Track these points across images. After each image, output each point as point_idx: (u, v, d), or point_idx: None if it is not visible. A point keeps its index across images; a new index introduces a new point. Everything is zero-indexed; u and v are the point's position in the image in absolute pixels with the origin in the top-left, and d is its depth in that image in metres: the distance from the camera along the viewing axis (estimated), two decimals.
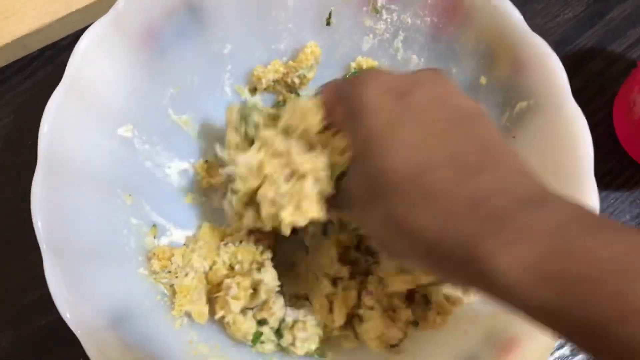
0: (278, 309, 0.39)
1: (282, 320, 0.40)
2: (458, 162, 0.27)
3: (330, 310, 0.40)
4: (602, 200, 0.48)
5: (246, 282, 0.39)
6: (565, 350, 0.46)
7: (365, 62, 0.45)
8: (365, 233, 0.35)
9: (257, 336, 0.40)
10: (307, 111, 0.34)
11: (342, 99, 0.33)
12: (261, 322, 0.40)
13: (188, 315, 0.40)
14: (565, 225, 0.24)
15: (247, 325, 0.39)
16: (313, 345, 0.40)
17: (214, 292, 0.41)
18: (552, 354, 0.46)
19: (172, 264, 0.40)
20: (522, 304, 0.24)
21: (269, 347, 0.40)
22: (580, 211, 0.25)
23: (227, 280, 0.39)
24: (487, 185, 0.26)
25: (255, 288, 0.39)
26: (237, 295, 0.38)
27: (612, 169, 0.49)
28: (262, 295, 0.39)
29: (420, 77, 0.32)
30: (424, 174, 0.27)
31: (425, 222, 0.26)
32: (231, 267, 0.41)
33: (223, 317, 0.40)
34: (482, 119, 0.30)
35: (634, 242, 0.22)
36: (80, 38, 0.37)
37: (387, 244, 0.30)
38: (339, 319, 0.39)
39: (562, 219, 0.24)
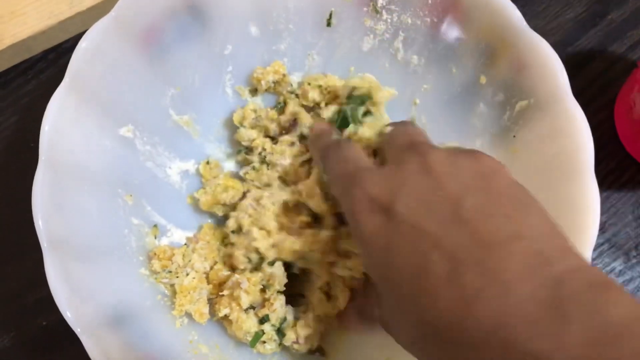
0: (279, 306, 0.39)
1: (284, 319, 0.40)
2: (457, 281, 0.25)
3: (328, 298, 0.40)
4: (604, 200, 0.47)
5: (256, 277, 0.39)
6: None
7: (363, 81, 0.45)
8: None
9: (257, 337, 0.39)
10: None
11: (338, 193, 0.34)
12: (263, 320, 0.39)
13: (188, 315, 0.40)
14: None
15: (249, 324, 0.39)
16: (316, 342, 0.40)
17: (214, 292, 0.41)
18: None
19: (172, 263, 0.40)
20: None
21: (270, 346, 0.40)
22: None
23: (236, 276, 0.39)
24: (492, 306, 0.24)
25: (263, 285, 0.39)
26: (248, 289, 0.39)
27: (614, 169, 0.49)
28: (276, 286, 0.39)
29: (403, 170, 0.30)
30: (426, 306, 0.26)
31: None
32: (232, 267, 0.41)
33: (225, 317, 0.40)
34: (473, 190, 0.28)
35: None
36: (82, 38, 0.38)
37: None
38: (342, 300, 0.40)
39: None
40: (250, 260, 0.40)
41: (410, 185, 0.29)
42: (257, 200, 0.40)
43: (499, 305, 0.23)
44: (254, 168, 0.43)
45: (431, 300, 0.26)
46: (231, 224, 0.41)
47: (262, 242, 0.39)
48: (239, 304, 0.39)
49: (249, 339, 0.39)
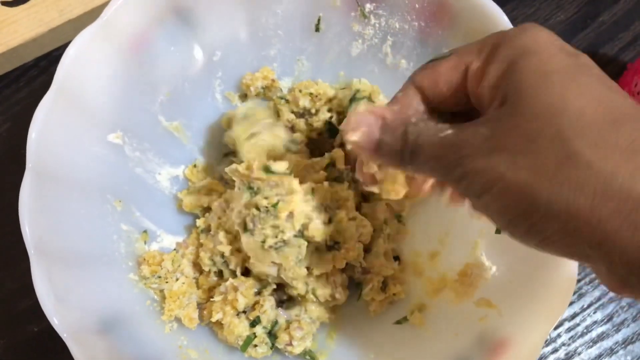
0: (270, 307, 0.40)
1: (275, 323, 0.40)
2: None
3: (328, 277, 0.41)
4: None
5: (250, 281, 0.40)
6: (561, 354, 0.46)
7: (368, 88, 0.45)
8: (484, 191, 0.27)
9: (249, 341, 0.40)
10: None
11: (497, 43, 0.29)
12: (254, 323, 0.40)
13: (178, 320, 0.40)
14: None
15: (241, 328, 0.39)
16: (309, 342, 0.40)
17: (204, 297, 0.41)
18: (546, 358, 0.45)
19: (162, 269, 0.41)
20: None
21: (262, 350, 0.40)
22: None
23: (231, 280, 0.40)
24: None
25: (257, 288, 0.40)
26: (244, 292, 0.39)
27: None
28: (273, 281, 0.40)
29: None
30: (617, 123, 0.24)
31: (626, 174, 0.23)
32: (220, 273, 0.41)
33: (216, 322, 0.40)
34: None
35: None
36: (69, 46, 0.38)
37: (545, 194, 0.25)
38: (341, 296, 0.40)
39: None
40: (214, 263, 0.40)
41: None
42: (227, 202, 0.40)
43: None
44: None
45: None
46: (199, 223, 0.42)
47: (227, 247, 0.39)
48: (233, 308, 0.39)
49: (241, 343, 0.40)
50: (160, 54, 0.42)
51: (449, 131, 0.28)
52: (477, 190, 0.26)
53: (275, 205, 0.36)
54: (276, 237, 0.37)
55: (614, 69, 0.51)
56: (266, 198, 0.37)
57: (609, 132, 0.24)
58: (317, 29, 0.45)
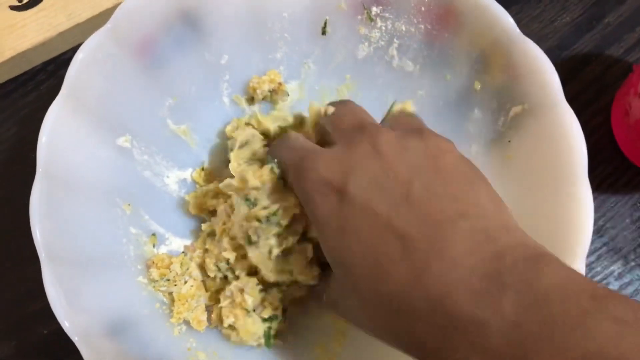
0: (278, 300, 0.40)
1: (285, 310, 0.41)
2: (408, 258, 0.27)
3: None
4: (601, 203, 0.48)
5: (254, 279, 0.40)
6: None
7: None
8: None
9: (269, 335, 0.40)
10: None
11: (292, 180, 0.34)
12: (271, 319, 0.40)
13: (186, 322, 0.40)
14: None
15: (256, 327, 0.39)
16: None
17: (212, 299, 0.42)
18: None
19: (170, 272, 0.41)
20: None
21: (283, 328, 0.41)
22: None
23: (234, 283, 0.40)
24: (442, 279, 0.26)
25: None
26: (250, 291, 0.39)
27: (611, 173, 0.49)
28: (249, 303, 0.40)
29: (354, 152, 0.31)
30: (379, 282, 0.28)
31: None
32: (225, 277, 0.41)
33: (229, 326, 0.40)
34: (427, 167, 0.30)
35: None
36: (78, 50, 0.38)
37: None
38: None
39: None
40: (219, 269, 0.40)
41: (361, 167, 0.30)
42: (232, 207, 0.40)
43: (445, 278, 0.25)
44: None
45: (384, 276, 0.27)
46: (204, 227, 0.42)
47: (232, 254, 0.39)
48: (244, 309, 0.39)
49: (261, 341, 0.40)
50: (168, 58, 0.43)
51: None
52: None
53: (275, 214, 0.36)
54: (281, 245, 0.37)
55: (619, 70, 0.51)
56: (265, 208, 0.36)
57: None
58: (323, 32, 0.45)
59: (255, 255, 0.38)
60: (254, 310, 0.40)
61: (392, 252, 0.27)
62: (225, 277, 0.41)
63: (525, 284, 0.24)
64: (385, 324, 0.28)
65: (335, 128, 0.35)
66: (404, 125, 0.35)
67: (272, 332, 0.40)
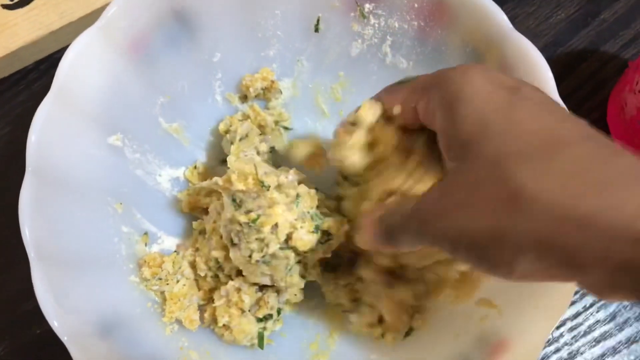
0: (274, 301, 0.40)
1: (279, 311, 0.41)
2: (594, 141, 0.25)
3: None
4: None
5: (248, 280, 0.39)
6: (564, 354, 0.45)
7: None
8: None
9: (262, 336, 0.40)
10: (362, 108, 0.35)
11: (436, 85, 0.30)
12: (265, 318, 0.40)
13: (179, 321, 0.40)
14: None
15: (251, 327, 0.39)
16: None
17: (205, 299, 0.41)
18: (549, 358, 0.45)
19: (162, 271, 0.41)
20: None
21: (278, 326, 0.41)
22: None
23: (231, 282, 0.39)
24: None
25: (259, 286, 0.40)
26: (247, 291, 0.39)
27: None
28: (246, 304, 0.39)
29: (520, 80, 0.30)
30: (560, 150, 0.25)
31: (575, 197, 0.23)
32: (216, 275, 0.41)
33: (223, 325, 0.40)
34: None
35: None
36: (68, 48, 0.38)
37: (499, 235, 0.26)
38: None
39: None
40: (210, 268, 0.40)
41: (532, 86, 0.29)
42: (223, 205, 0.40)
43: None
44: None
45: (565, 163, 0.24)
46: (196, 225, 0.42)
47: (220, 252, 0.39)
48: (239, 308, 0.39)
49: (254, 341, 0.40)
50: (159, 56, 0.42)
51: (411, 205, 0.30)
52: (449, 250, 0.28)
53: (255, 221, 0.36)
54: (262, 250, 0.36)
55: (615, 66, 0.51)
56: (248, 212, 0.36)
57: (549, 161, 0.24)
58: (316, 30, 0.45)
59: (236, 256, 0.37)
60: (249, 310, 0.40)
61: (575, 134, 0.25)
62: (217, 276, 0.41)
63: None
64: (563, 194, 0.24)
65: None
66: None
67: (267, 332, 0.40)
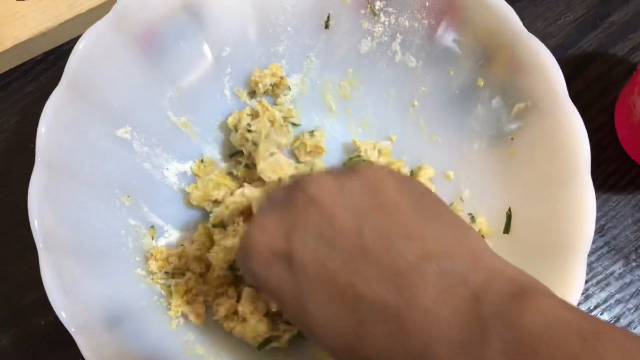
0: None
1: None
2: (380, 316, 0.25)
3: None
4: (604, 203, 0.47)
5: None
6: None
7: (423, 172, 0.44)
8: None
9: (267, 343, 0.39)
10: None
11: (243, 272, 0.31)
12: (279, 314, 0.40)
13: (184, 315, 0.40)
14: None
15: (265, 328, 0.39)
16: None
17: (211, 294, 0.41)
18: None
19: (169, 264, 0.41)
20: None
21: (285, 338, 0.40)
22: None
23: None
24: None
25: None
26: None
27: (614, 172, 0.48)
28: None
29: (290, 209, 0.28)
30: (354, 349, 0.25)
31: None
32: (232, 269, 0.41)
33: (231, 318, 0.40)
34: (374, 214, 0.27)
35: None
36: (79, 40, 0.38)
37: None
38: None
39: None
40: (228, 261, 0.40)
41: (302, 222, 0.27)
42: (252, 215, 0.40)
43: (423, 335, 0.23)
44: (246, 166, 0.43)
45: (358, 344, 0.25)
46: (213, 218, 0.42)
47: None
48: (260, 311, 0.39)
49: (259, 340, 0.39)
50: (169, 49, 0.42)
51: None
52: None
53: None
54: None
55: (623, 69, 0.51)
56: None
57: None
58: (326, 26, 0.45)
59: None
60: (267, 314, 0.40)
61: (361, 315, 0.25)
62: (232, 269, 0.40)
63: (508, 328, 0.22)
64: None
65: (270, 196, 0.31)
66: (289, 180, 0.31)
67: (279, 332, 0.40)
